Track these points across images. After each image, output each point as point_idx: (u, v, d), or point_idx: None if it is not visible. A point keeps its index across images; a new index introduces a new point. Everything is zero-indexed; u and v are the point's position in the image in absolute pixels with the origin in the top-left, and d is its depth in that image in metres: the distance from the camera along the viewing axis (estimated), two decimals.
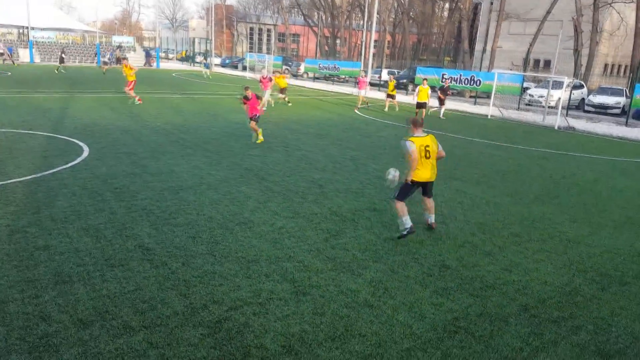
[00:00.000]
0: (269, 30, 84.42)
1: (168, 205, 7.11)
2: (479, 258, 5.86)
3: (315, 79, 41.61)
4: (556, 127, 19.48)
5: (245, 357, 3.75)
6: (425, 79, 20.31)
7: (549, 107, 22.68)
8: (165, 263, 5.25)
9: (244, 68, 49.50)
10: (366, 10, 34.45)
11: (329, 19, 67.13)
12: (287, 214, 7.03)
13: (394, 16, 66.12)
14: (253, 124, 12.36)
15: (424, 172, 6.10)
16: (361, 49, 34.24)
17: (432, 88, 21.87)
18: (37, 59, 44.01)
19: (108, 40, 53.60)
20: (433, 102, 21.20)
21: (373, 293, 4.83)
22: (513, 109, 24.16)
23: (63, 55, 36.05)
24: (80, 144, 10.97)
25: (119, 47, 50.23)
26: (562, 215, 7.83)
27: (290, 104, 21.36)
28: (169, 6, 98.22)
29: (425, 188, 6.34)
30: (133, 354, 3.71)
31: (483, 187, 9.31)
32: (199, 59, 55.20)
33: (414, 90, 28.32)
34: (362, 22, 48.95)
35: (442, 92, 20.90)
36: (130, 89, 18.58)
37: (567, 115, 22.32)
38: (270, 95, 20.38)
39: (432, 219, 6.59)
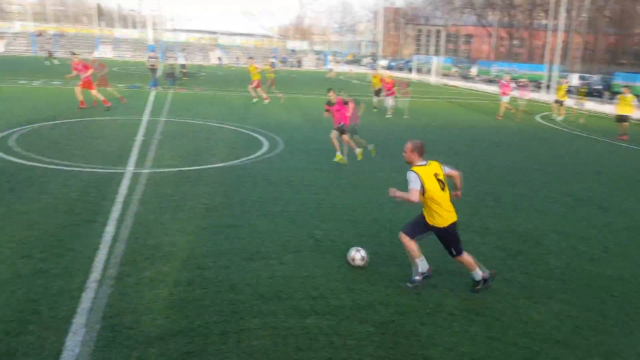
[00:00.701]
0: (438, 32, 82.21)
1: (336, 203, 7.38)
2: None
3: (489, 82, 39.19)
4: None
5: None
6: (627, 87, 17.00)
7: None
8: (335, 255, 5.43)
9: (410, 70, 49.28)
10: (551, 7, 30.70)
11: (506, 18, 62.04)
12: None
13: (585, 14, 57.56)
14: (345, 137, 9.84)
15: (451, 209, 4.67)
16: (544, 51, 30.70)
17: (638, 97, 18.23)
18: (225, 61, 51.23)
19: (283, 45, 60.09)
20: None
21: (559, 328, 4.17)
22: None
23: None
24: (260, 138, 12.26)
25: (293, 51, 57.31)
26: None
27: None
28: (338, 11, 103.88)
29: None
30: (305, 336, 3.90)
31: None
32: (365, 61, 57.33)
33: (612, 99, 24.16)
34: (545, 20, 43.86)
35: None
36: (255, 87, 19.45)
37: None
38: (397, 100, 18.38)
39: (482, 271, 4.78)
